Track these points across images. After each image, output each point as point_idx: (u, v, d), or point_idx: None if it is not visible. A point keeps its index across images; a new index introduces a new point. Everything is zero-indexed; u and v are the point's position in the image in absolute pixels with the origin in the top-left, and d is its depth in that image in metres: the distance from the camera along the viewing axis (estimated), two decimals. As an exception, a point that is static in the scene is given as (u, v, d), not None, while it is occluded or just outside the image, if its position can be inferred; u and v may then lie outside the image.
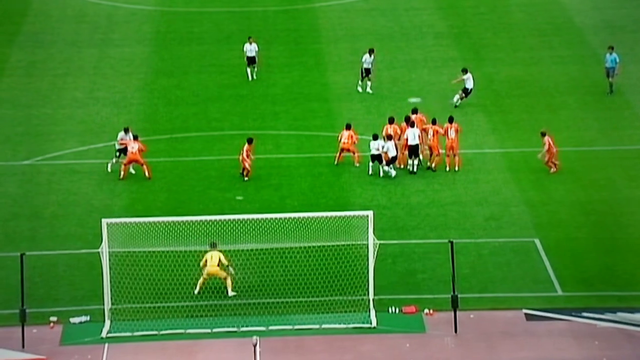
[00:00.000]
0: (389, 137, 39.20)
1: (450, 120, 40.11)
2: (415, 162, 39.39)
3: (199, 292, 31.92)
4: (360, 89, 46.18)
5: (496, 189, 38.68)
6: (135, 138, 39.33)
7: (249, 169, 38.62)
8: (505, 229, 35.96)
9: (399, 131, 39.69)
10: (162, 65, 49.47)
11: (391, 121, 39.97)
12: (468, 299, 31.73)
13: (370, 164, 39.15)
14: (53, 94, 46.56)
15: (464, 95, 44.31)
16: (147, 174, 39.04)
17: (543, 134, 39.29)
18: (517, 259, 34.38)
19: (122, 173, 39.10)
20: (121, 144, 39.29)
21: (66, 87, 47.19)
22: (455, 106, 43.80)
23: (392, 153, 38.97)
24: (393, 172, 38.64)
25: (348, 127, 40.02)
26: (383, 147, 39.02)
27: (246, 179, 38.49)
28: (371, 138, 39.43)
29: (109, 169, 39.30)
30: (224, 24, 53.41)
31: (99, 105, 45.37)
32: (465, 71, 44.50)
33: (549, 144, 39.00)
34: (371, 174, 38.97)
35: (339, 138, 40.05)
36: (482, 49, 50.26)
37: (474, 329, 30.99)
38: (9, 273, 32.60)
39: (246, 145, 38.76)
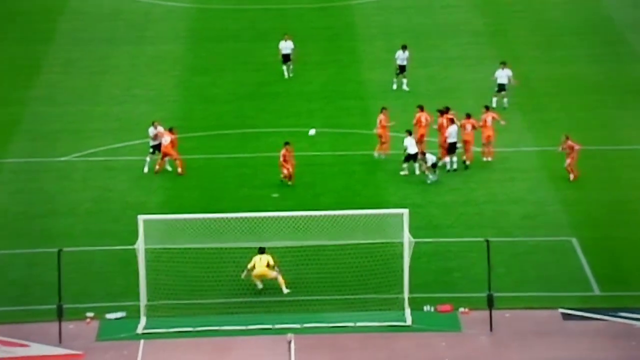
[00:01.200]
0: (409, 133, 39.00)
1: (487, 108, 39.95)
2: (454, 159, 39.19)
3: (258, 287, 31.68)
4: (395, 86, 46.06)
5: (532, 187, 38.43)
6: (170, 130, 39.33)
7: (290, 173, 37.91)
8: (541, 228, 35.71)
9: (430, 124, 39.55)
10: (198, 62, 49.58)
11: (422, 109, 39.83)
12: (503, 298, 31.53)
13: (405, 164, 38.94)
14: (89, 91, 46.80)
15: (499, 91, 44.03)
16: (179, 169, 39.10)
17: (566, 138, 38.64)
18: (553, 258, 34.13)
19: (157, 167, 39.17)
20: (155, 136, 39.26)
21: (102, 85, 47.42)
22: (505, 108, 43.59)
23: (411, 150, 38.74)
24: (432, 177, 37.94)
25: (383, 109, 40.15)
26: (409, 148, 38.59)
27: (290, 183, 37.97)
28: (405, 134, 39.26)
29: (146, 170, 39.38)
30: (260, 22, 53.44)
31: (134, 103, 45.54)
32: (502, 65, 44.14)
33: (573, 147, 38.28)
34: (406, 174, 38.77)
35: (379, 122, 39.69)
36: (518, 47, 49.96)
37: (510, 328, 30.81)
38: (45, 269, 32.79)
39: (283, 149, 38.36)
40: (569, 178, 38.21)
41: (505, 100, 44.20)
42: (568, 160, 38.30)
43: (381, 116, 40.27)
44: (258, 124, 43.50)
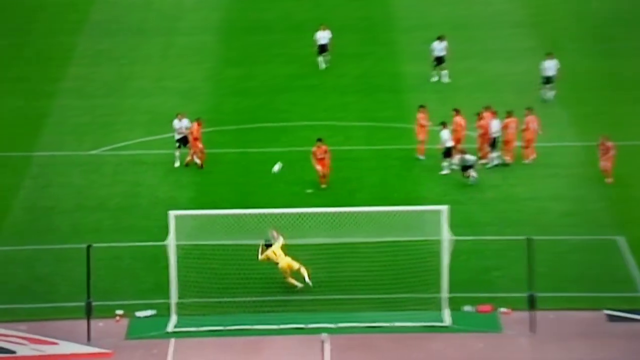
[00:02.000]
0: (444, 125, 38.77)
1: (530, 109, 39.71)
2: (495, 154, 38.97)
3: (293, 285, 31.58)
4: (434, 79, 45.86)
5: (575, 184, 38.14)
6: (197, 122, 39.28)
7: (324, 173, 37.29)
8: (584, 226, 35.44)
9: (462, 123, 39.34)
10: (230, 54, 49.64)
11: (457, 112, 39.62)
12: (545, 298, 31.32)
13: (444, 163, 38.74)
14: (119, 84, 46.98)
15: (546, 84, 43.70)
16: (198, 161, 38.97)
17: (604, 138, 38.18)
18: (596, 258, 33.85)
19: (187, 158, 39.19)
20: (180, 132, 39.32)
21: (132, 77, 47.58)
22: (546, 101, 43.27)
23: (448, 143, 38.48)
24: (473, 176, 37.51)
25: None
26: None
27: (323, 186, 37.59)
28: (440, 127, 39.05)
29: (177, 164, 39.46)
30: (294, 12, 53.41)
31: (165, 95, 45.66)
32: (548, 56, 43.80)
33: (608, 149, 37.78)
34: (446, 173, 38.57)
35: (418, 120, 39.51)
36: (561, 38, 49.59)
37: (552, 329, 30.60)
38: (73, 265, 32.93)
39: (314, 146, 37.88)
40: (605, 181, 37.71)
41: (551, 93, 43.83)
42: (603, 162, 37.76)
43: (419, 115, 39.99)
44: (291, 118, 43.47)
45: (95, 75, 47.75)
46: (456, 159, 37.86)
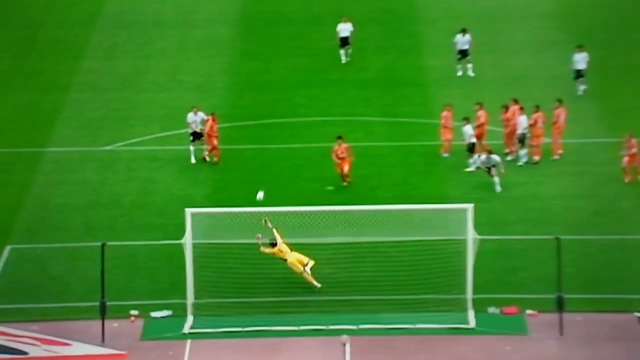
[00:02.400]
0: (467, 120, 38.61)
1: (560, 101, 39.56)
2: (523, 152, 38.83)
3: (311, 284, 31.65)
4: (459, 73, 45.73)
5: (604, 181, 37.96)
6: (212, 116, 39.26)
7: (345, 172, 37.02)
8: (614, 225, 35.26)
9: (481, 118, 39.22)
10: (248, 47, 49.65)
11: (481, 105, 39.49)
12: (574, 300, 31.18)
13: (470, 159, 38.60)
14: (134, 77, 47.06)
15: (577, 78, 43.51)
16: (214, 158, 38.85)
17: (631, 136, 37.95)
18: (627, 258, 33.69)
19: (204, 152, 39.21)
20: (194, 126, 39.31)
21: (148, 70, 47.66)
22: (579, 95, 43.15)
23: (472, 139, 38.30)
24: (498, 186, 37.06)
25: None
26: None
27: (345, 183, 37.32)
28: (463, 122, 38.91)
29: (193, 160, 39.50)
30: (314, 4, 53.34)
31: (181, 89, 45.72)
32: (579, 48, 43.62)
33: (632, 147, 37.53)
34: (472, 170, 38.43)
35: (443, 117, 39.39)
36: (592, 30, 49.34)
37: (581, 332, 30.47)
38: (87, 264, 33.01)
39: (335, 144, 37.67)
40: (624, 179, 37.47)
41: (581, 87, 43.62)
42: (626, 159, 37.51)
43: (444, 113, 39.85)
44: (310, 113, 43.43)
45: (109, 68, 47.86)
46: (482, 157, 37.64)
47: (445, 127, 39.60)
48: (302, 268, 31.81)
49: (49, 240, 34.82)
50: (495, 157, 37.42)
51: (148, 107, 44.37)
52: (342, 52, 47.61)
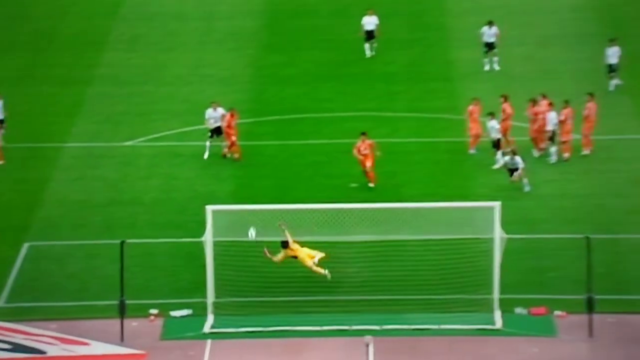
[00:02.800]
0: (492, 115, 38.46)
1: (591, 96, 39.36)
2: (554, 149, 38.68)
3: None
4: (487, 67, 45.62)
5: (636, 179, 37.81)
6: (231, 112, 39.30)
7: (369, 171, 36.72)
8: (647, 224, 35.17)
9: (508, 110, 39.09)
10: (272, 40, 49.70)
11: (505, 98, 39.33)
12: (604, 301, 31.07)
13: (498, 155, 38.50)
14: (155, 71, 47.21)
15: (610, 72, 43.30)
16: (235, 155, 38.91)
17: None
18: (660, 258, 33.57)
19: (224, 149, 39.28)
20: (213, 122, 39.36)
21: (169, 63, 47.81)
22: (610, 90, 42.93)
23: (496, 134, 38.16)
24: (527, 186, 36.89)
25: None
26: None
27: (371, 185, 37.17)
28: (488, 118, 38.80)
29: (206, 156, 39.58)
30: (339, -4, 53.37)
31: (204, 83, 45.83)
32: (611, 42, 43.38)
33: None
34: (499, 167, 38.32)
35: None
36: (626, 23, 49.07)
37: (612, 334, 30.36)
38: (106, 262, 33.17)
39: (358, 140, 37.40)
40: None
41: (613, 82, 43.39)
42: None
43: (471, 107, 39.79)
44: (335, 108, 43.44)
45: (130, 61, 48.03)
46: (506, 158, 37.37)
47: (473, 122, 39.52)
48: (311, 262, 31.86)
49: (68, 237, 35.00)
50: (519, 161, 36.98)
51: (170, 101, 44.50)
52: (367, 46, 47.56)
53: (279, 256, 31.87)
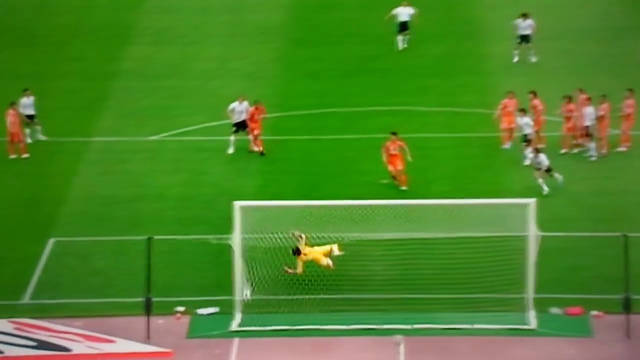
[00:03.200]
0: (523, 112, 38.26)
1: (631, 91, 39.11)
2: (592, 145, 38.45)
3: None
4: (516, 59, 45.42)
5: (676, 176, 37.62)
6: (256, 105, 39.26)
7: (398, 173, 36.35)
8: (687, 222, 34.93)
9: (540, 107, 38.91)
10: (300, 34, 49.70)
11: (535, 94, 39.13)
12: (641, 301, 30.94)
13: (527, 151, 38.33)
14: (181, 65, 47.31)
15: None
16: (256, 148, 38.89)
17: None
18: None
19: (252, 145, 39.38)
20: (239, 116, 39.29)
21: (196, 57, 47.90)
22: None
23: (527, 130, 37.90)
24: (545, 188, 36.36)
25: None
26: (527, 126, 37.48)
27: (404, 187, 36.72)
28: (519, 114, 38.63)
29: (230, 150, 39.59)
30: (368, -12, 53.30)
31: (230, 78, 45.89)
32: None
33: None
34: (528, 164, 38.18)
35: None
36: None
37: (649, 335, 30.21)
38: (132, 258, 33.25)
39: (388, 140, 37.02)
40: None
41: None
42: None
43: (506, 100, 39.65)
44: (365, 103, 43.40)
45: (156, 55, 48.16)
46: (530, 155, 37.12)
47: (506, 116, 39.36)
48: (326, 261, 31.83)
49: (93, 233, 35.11)
50: (543, 159, 36.60)
51: (196, 95, 44.58)
52: (399, 38, 47.46)
53: (299, 267, 31.86)
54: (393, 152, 36.74)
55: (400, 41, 47.46)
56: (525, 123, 38.52)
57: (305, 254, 31.87)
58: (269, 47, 48.35)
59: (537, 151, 36.78)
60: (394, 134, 37.12)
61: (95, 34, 50.16)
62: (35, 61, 47.68)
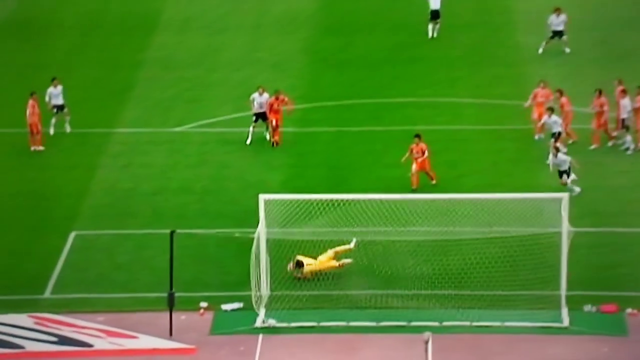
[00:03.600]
0: (551, 110, 37.93)
1: None
2: (629, 138, 38.13)
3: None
4: (541, 50, 45.11)
5: None
6: (276, 94, 39.24)
7: (427, 170, 36.04)
8: None
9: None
10: (329, 23, 49.63)
11: (561, 93, 38.89)
12: (678, 299, 30.72)
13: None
14: (208, 55, 47.35)
15: None
16: (271, 137, 38.91)
17: None
18: None
19: (275, 137, 39.35)
20: (259, 107, 39.23)
21: (222, 47, 47.92)
22: None
23: (555, 128, 37.71)
24: (576, 189, 35.88)
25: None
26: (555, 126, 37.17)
27: (433, 182, 36.25)
28: (546, 113, 38.32)
29: (248, 141, 39.56)
30: (399, -24, 53.16)
31: (257, 68, 45.88)
32: None
33: None
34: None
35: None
36: None
37: (686, 334, 29.96)
38: (155, 252, 33.30)
39: (412, 143, 36.47)
40: None
41: None
42: None
43: (537, 90, 39.43)
44: (394, 94, 43.28)
45: (182, 44, 48.22)
46: (550, 156, 36.44)
47: (538, 106, 39.15)
48: (332, 263, 31.77)
49: (116, 227, 35.19)
50: (562, 159, 35.82)
51: (222, 86, 44.60)
52: (430, 26, 47.32)
53: (307, 270, 31.73)
54: (416, 156, 36.32)
55: (431, 29, 47.31)
56: (554, 121, 38.23)
57: (309, 265, 31.83)
58: (297, 37, 48.31)
59: (557, 150, 36.29)
60: (417, 136, 36.55)
61: (120, 23, 50.29)
62: (59, 50, 47.85)
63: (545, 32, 45.47)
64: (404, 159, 36.25)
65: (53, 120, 40.59)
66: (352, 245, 32.21)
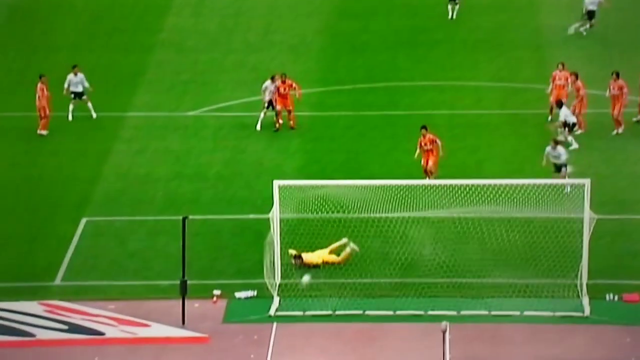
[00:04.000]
0: (559, 104, 37.90)
1: None
2: None
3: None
4: (572, 30, 45.02)
5: None
6: (282, 77, 39.27)
7: (430, 167, 35.67)
8: None
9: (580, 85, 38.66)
10: (347, 4, 49.66)
11: (577, 76, 38.88)
12: (703, 289, 30.76)
13: (570, 137, 38.10)
14: (222, 37, 47.47)
15: None
16: (291, 122, 39.15)
17: None
18: None
19: (290, 122, 39.55)
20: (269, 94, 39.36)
21: (237, 29, 48.02)
22: None
23: (570, 119, 37.67)
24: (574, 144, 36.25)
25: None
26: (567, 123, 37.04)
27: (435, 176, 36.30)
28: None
29: (258, 127, 39.68)
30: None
31: (273, 51, 45.98)
32: None
33: None
34: (576, 149, 37.88)
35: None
36: None
37: None
38: (168, 239, 33.50)
39: (420, 135, 36.04)
40: None
41: None
42: None
43: (556, 72, 39.47)
44: (414, 77, 43.35)
45: (196, 27, 48.34)
46: (548, 148, 35.89)
47: (556, 89, 39.14)
48: (333, 257, 31.91)
49: (128, 213, 35.39)
50: (561, 152, 35.48)
51: (237, 69, 44.73)
52: (449, 7, 47.42)
53: (310, 259, 31.89)
54: (425, 148, 36.17)
55: (450, 10, 47.35)
56: (565, 115, 38.18)
57: (310, 260, 31.96)
58: (314, 19, 48.37)
59: (556, 143, 35.94)
60: (424, 128, 36.32)
61: (132, 6, 50.42)
62: (70, 33, 48.05)
63: (582, 9, 45.29)
64: (415, 155, 36.12)
65: (71, 107, 40.83)
66: (344, 240, 32.17)
